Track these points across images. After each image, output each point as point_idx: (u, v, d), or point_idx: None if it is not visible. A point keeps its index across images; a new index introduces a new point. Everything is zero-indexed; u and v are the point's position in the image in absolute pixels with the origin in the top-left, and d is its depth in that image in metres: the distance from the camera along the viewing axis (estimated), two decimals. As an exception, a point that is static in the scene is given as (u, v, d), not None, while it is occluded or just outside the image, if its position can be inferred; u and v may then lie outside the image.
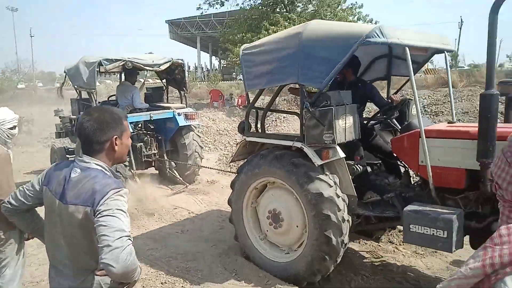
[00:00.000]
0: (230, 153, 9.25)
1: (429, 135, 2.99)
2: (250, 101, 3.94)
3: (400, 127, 3.62)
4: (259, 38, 12.78)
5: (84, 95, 6.86)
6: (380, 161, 3.86)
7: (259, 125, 3.89)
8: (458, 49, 42.28)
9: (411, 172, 3.53)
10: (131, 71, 6.64)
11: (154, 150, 6.71)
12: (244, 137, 3.83)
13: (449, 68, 3.83)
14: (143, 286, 3.56)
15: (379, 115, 3.83)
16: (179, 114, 6.65)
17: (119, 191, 1.51)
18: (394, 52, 4.10)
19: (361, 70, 4.27)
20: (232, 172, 6.62)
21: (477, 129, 2.67)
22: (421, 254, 4.05)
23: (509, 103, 3.30)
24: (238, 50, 13.78)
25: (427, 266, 3.81)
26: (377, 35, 2.82)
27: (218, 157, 9.03)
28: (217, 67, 52.45)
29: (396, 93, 4.19)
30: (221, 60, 57.16)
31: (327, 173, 3.22)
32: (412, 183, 3.46)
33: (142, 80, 11.08)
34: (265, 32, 12.82)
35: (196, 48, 45.88)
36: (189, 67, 55.15)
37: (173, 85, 7.51)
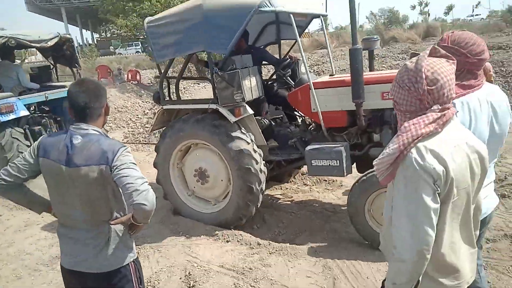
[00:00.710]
0: (135, 129, 9.23)
1: (316, 87, 3.71)
2: (161, 71, 4.17)
3: (293, 83, 4.31)
4: (142, 8, 12.41)
5: None
6: (282, 114, 4.54)
7: (173, 94, 4.20)
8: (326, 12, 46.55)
9: (307, 119, 4.29)
10: (7, 49, 6.06)
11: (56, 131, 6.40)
12: (161, 106, 4.11)
13: (325, 30, 4.63)
14: None
15: (274, 75, 4.48)
16: (76, 92, 6.40)
17: (126, 148, 1.76)
18: (280, 19, 4.72)
19: (254, 37, 4.82)
20: (144, 143, 6.78)
21: (349, 77, 3.48)
22: (330, 189, 4.94)
23: (370, 55, 4.21)
24: (121, 21, 13.11)
25: (337, 197, 4.74)
26: (267, 4, 3.34)
27: (123, 135, 8.95)
28: (90, 42, 47.94)
29: (286, 55, 4.88)
30: (95, 34, 52.36)
31: (243, 130, 3.74)
32: (309, 128, 4.23)
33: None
34: (148, 2, 12.37)
35: (61, 21, 41.00)
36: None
37: (62, 63, 7.07)
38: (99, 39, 48.48)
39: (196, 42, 3.67)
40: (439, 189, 1.28)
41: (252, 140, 3.74)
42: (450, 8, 33.95)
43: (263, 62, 4.56)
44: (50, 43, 6.06)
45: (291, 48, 5.03)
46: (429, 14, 31.99)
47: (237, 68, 3.59)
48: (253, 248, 3.62)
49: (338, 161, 3.49)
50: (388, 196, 1.48)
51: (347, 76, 3.74)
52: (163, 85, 4.15)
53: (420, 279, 1.38)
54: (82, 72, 7.40)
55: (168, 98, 4.23)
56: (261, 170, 3.75)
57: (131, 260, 1.88)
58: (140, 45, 30.73)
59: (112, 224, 1.79)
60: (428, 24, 24.80)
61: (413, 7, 33.89)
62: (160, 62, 4.07)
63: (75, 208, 1.79)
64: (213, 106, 3.74)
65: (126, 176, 1.65)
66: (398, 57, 14.86)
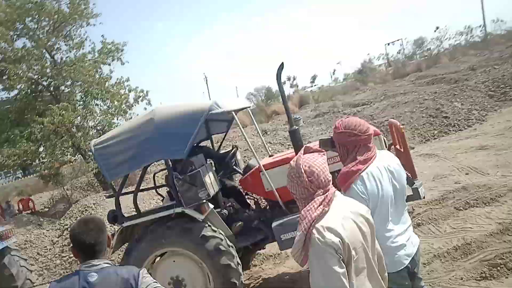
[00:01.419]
0: (49, 263, 8.28)
1: (266, 168, 4.17)
2: (117, 189, 4.16)
3: (241, 171, 4.71)
4: (31, 131, 11.79)
5: None
6: (233, 202, 4.80)
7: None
8: (210, 98, 50.46)
9: (260, 201, 4.64)
10: None
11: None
12: (118, 224, 4.02)
13: (254, 120, 5.30)
14: None
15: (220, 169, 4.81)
16: (-11, 237, 5.67)
17: (143, 270, 1.84)
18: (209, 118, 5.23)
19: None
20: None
21: (291, 155, 4.04)
22: (279, 263, 5.27)
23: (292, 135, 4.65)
24: (8, 151, 12.07)
25: (290, 267, 5.03)
26: (216, 106, 3.81)
27: (36, 274, 7.91)
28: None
29: (219, 147, 5.32)
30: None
31: (213, 228, 3.86)
32: (265, 207, 4.57)
33: None
34: (36, 125, 11.83)
35: None
36: None
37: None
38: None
39: (152, 153, 3.86)
40: (341, 256, 1.63)
41: (224, 236, 3.87)
42: (314, 78, 40.08)
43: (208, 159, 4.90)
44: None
45: (222, 140, 5.51)
46: (297, 86, 37.13)
47: (196, 168, 3.85)
48: None
49: None
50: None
51: (288, 154, 4.31)
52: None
53: None
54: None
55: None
56: (238, 263, 3.87)
57: None
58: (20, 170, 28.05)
59: None
60: (300, 95, 28.77)
61: (284, 82, 38.76)
62: (112, 180, 4.08)
63: None
64: (178, 209, 3.85)
65: None
66: (285, 128, 16.65)
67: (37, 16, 12.77)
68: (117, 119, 13.93)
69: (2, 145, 12.68)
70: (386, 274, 1.95)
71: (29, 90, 12.90)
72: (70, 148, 12.61)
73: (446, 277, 3.75)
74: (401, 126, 3.94)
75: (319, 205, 1.70)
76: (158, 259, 4.06)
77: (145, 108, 15.16)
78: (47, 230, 10.39)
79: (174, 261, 3.94)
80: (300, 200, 1.78)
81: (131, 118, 14.19)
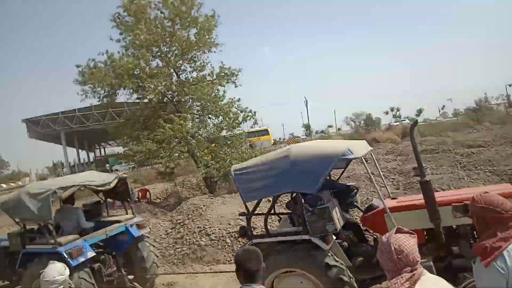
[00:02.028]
0: (164, 251, 9.28)
1: (392, 211, 4.33)
2: (249, 210, 4.74)
3: (361, 208, 4.95)
4: (155, 134, 13.51)
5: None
6: (351, 234, 5.04)
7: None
8: (308, 121, 51.20)
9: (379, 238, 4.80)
10: (71, 195, 6.52)
11: (113, 267, 6.54)
12: (250, 240, 4.57)
13: (374, 158, 5.47)
14: None
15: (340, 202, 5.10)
16: (131, 226, 6.77)
17: None
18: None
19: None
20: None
21: (420, 201, 4.14)
22: None
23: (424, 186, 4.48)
24: (136, 148, 13.89)
25: None
26: (349, 152, 4.14)
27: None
28: (86, 161, 49.18)
29: (339, 178, 5.61)
30: (90, 153, 54.03)
31: (336, 258, 4.16)
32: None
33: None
34: (159, 130, 13.54)
35: (60, 144, 42.57)
36: (55, 166, 50.08)
37: (112, 197, 7.55)
38: (96, 158, 49.86)
39: (285, 185, 4.34)
40: None
41: (345, 267, 4.15)
42: (420, 111, 37.98)
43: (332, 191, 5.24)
44: (112, 185, 6.61)
45: (341, 173, 5.80)
46: (400, 116, 35.62)
47: (326, 204, 4.21)
48: None
49: None
50: None
51: (416, 199, 4.42)
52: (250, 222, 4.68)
53: None
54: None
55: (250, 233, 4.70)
56: None
57: None
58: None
59: None
60: (404, 126, 27.49)
61: (386, 113, 37.66)
62: (248, 201, 4.65)
63: None
64: (306, 237, 4.24)
65: None
66: (388, 158, 16.08)
67: (169, 42, 14.97)
68: (226, 132, 15.18)
69: (133, 141, 14.79)
70: None
71: (156, 101, 14.84)
72: (185, 153, 14.13)
73: None
74: None
75: (406, 281, 1.91)
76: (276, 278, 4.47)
77: (252, 126, 16.29)
78: (162, 221, 11.74)
79: (301, 282, 4.30)
80: (388, 271, 2.01)
81: (240, 132, 15.43)
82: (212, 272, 7.64)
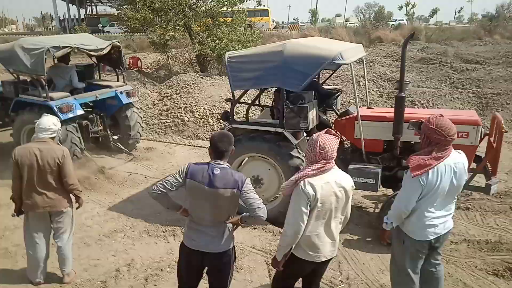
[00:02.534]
0: (148, 120, 9.78)
1: (362, 119, 4.69)
2: (234, 97, 5.01)
3: (338, 112, 5.28)
4: (152, 1, 12.72)
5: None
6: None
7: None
8: (316, 7, 47.82)
9: (345, 142, 5.28)
10: (66, 54, 6.62)
11: (99, 126, 7.07)
12: (230, 124, 4.97)
13: (365, 70, 5.60)
14: (150, 235, 4.71)
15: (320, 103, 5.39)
16: (121, 93, 7.08)
17: (247, 179, 2.71)
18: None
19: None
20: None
21: (391, 114, 4.48)
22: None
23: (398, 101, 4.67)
24: (131, 13, 13.26)
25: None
26: (340, 57, 4.23)
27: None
28: (77, 17, 46.55)
29: (324, 82, 5.81)
30: (81, 9, 50.73)
31: (300, 150, 4.66)
32: (347, 149, 5.23)
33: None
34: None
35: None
36: (43, 17, 47.47)
37: (106, 64, 7.67)
38: (87, 16, 47.06)
39: (273, 80, 4.53)
40: (310, 202, 2.50)
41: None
42: (435, 11, 35.53)
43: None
44: (105, 51, 6.68)
45: (329, 76, 5.97)
46: (413, 14, 33.52)
47: (305, 103, 4.50)
48: (275, 235, 4.70)
49: (374, 180, 4.53)
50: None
51: (387, 112, 4.75)
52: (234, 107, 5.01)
53: (293, 247, 2.67)
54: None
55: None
56: None
57: (232, 245, 2.86)
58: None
59: (227, 223, 2.77)
60: (413, 27, 26.19)
61: (400, 8, 35.34)
62: (235, 90, 4.88)
63: (206, 212, 2.71)
64: (279, 130, 4.65)
65: (252, 197, 2.65)
66: (385, 62, 15.89)
67: None
68: (226, 8, 14.37)
69: (128, 5, 14.02)
70: (338, 230, 2.77)
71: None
72: (181, 26, 13.60)
73: (464, 260, 4.21)
74: (503, 126, 4.11)
75: (315, 169, 2.52)
76: (246, 160, 5.05)
77: (256, 6, 15.39)
78: (150, 91, 12.04)
79: (268, 168, 4.86)
80: (308, 160, 2.61)
81: (242, 11, 14.65)
82: (190, 145, 8.27)
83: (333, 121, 5.45)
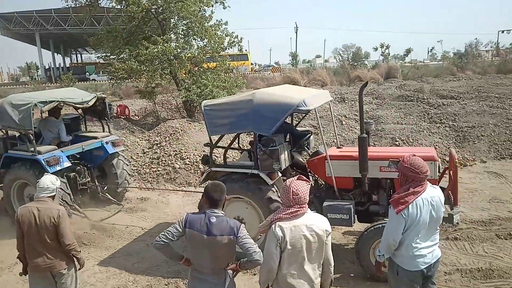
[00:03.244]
0: (140, 169, 10.01)
1: (331, 158, 5.03)
2: (213, 142, 5.35)
3: (310, 152, 5.62)
4: (138, 53, 13.44)
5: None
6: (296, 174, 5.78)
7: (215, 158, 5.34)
8: (296, 50, 50.25)
9: (319, 180, 5.57)
10: (56, 108, 6.98)
11: (87, 177, 7.27)
12: (209, 168, 5.26)
13: (331, 109, 6.03)
14: None
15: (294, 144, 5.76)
16: (106, 143, 7.38)
17: (242, 225, 2.90)
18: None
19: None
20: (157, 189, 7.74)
21: (356, 153, 4.83)
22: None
23: (368, 135, 5.13)
24: (118, 65, 13.87)
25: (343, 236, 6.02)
26: (303, 104, 4.65)
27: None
28: (62, 66, 47.84)
29: (297, 125, 6.20)
30: (66, 58, 52.24)
31: (274, 189, 4.94)
32: (320, 187, 5.52)
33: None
34: (143, 48, 13.41)
35: (34, 45, 41.00)
36: (29, 67, 48.82)
37: (91, 115, 8.02)
38: (73, 64, 48.40)
39: (246, 125, 4.90)
40: (279, 244, 2.70)
41: (279, 194, 4.85)
42: (408, 51, 37.56)
43: (288, 135, 5.86)
44: (91, 103, 7.05)
45: (301, 119, 6.38)
46: (389, 54, 35.23)
47: (277, 146, 4.84)
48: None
49: (348, 215, 4.79)
50: None
51: (354, 152, 5.10)
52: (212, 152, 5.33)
53: (270, 284, 2.85)
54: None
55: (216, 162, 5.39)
56: None
57: None
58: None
59: (227, 269, 2.92)
60: (389, 65, 27.50)
61: (375, 49, 37.23)
62: (212, 135, 5.24)
63: (206, 260, 2.88)
64: (255, 171, 4.95)
65: (247, 243, 2.83)
66: (365, 100, 16.58)
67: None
68: (211, 55, 15.12)
69: (115, 56, 14.69)
70: (330, 274, 2.96)
71: (140, 15, 14.30)
72: (167, 75, 14.23)
73: (459, 289, 4.39)
74: (456, 160, 4.50)
75: (288, 213, 2.74)
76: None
77: (239, 50, 16.19)
78: (140, 139, 12.34)
79: (246, 208, 5.11)
80: (283, 204, 2.83)
81: (224, 57, 15.42)
82: (183, 191, 8.44)
83: (305, 161, 5.77)
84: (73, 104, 6.86)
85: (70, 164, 6.64)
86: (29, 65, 46.88)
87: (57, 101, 6.50)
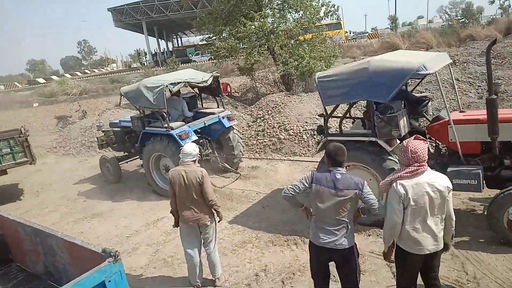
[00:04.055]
0: (246, 141, 10.70)
1: (455, 123, 4.83)
2: (327, 112, 5.54)
3: (429, 118, 5.45)
4: (237, 31, 14.04)
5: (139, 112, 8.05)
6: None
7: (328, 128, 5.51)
8: (396, 12, 46.35)
9: (441, 146, 5.40)
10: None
11: (209, 149, 8.11)
12: (325, 137, 5.48)
13: (453, 75, 5.68)
14: (275, 245, 5.28)
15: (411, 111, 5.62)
16: (223, 118, 8.08)
17: (365, 182, 3.22)
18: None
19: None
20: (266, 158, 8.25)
21: (483, 116, 4.56)
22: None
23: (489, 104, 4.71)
24: (220, 43, 14.69)
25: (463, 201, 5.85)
26: (423, 68, 4.50)
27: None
28: (166, 50, 52.08)
29: (413, 90, 6.01)
30: (169, 42, 56.69)
31: (395, 157, 4.95)
32: (443, 153, 5.34)
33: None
34: (240, 26, 13.94)
35: (142, 33, 45.21)
36: (138, 54, 54.32)
37: (207, 93, 8.82)
38: (175, 48, 52.44)
39: (361, 94, 4.96)
40: (403, 201, 2.89)
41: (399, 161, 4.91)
42: (535, 2, 31.74)
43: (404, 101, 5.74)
44: (209, 82, 7.75)
45: (418, 84, 6.16)
46: (509, 6, 30.34)
47: (395, 113, 4.83)
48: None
49: (476, 181, 4.61)
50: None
51: (480, 115, 4.82)
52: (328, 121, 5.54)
53: (397, 240, 3.06)
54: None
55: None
56: None
57: (354, 242, 3.31)
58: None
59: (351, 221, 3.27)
60: (510, 19, 23.77)
61: (491, 2, 32.35)
62: (327, 105, 5.42)
63: (331, 212, 3.19)
64: (373, 138, 5.02)
65: (372, 198, 3.21)
66: (480, 61, 14.87)
67: None
68: (307, 27, 15.03)
69: (216, 36, 15.60)
70: (452, 228, 3.10)
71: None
72: (265, 51, 14.64)
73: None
74: None
75: (408, 172, 2.89)
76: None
77: (336, 18, 15.79)
78: (243, 114, 13.10)
79: (363, 175, 5.21)
80: (401, 164, 3.00)
81: (321, 26, 15.23)
82: (289, 160, 8.88)
83: (425, 127, 5.61)
84: (195, 83, 7.63)
85: (197, 138, 7.46)
86: (138, 52, 51.95)
87: (184, 82, 7.31)
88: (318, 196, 3.22)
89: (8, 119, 21.66)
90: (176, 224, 4.47)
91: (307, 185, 3.27)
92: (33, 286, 3.43)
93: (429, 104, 5.74)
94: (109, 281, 2.38)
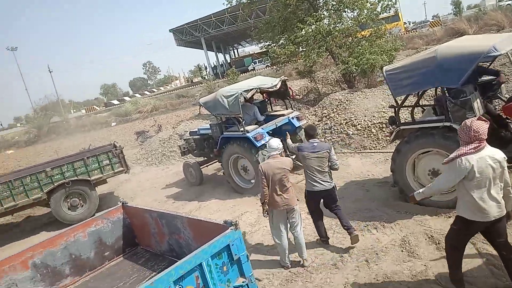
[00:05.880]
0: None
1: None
2: (397, 103, 5.80)
3: (505, 98, 5.46)
4: (296, 36, 14.50)
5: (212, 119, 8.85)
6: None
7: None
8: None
9: None
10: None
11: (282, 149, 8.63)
12: (397, 127, 5.73)
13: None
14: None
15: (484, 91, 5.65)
16: (292, 118, 8.57)
17: (331, 146, 4.61)
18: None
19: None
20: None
21: None
22: None
23: None
24: (279, 50, 15.21)
25: None
26: (494, 50, 4.58)
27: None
28: (224, 62, 54.38)
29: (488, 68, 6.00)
30: (226, 54, 59.10)
31: None
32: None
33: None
34: (298, 31, 14.36)
35: (201, 49, 47.74)
36: (199, 69, 57.65)
37: (275, 97, 9.39)
38: (233, 59, 54.66)
39: (432, 81, 5.16)
40: (467, 174, 3.24)
41: None
42: None
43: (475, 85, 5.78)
44: (278, 86, 8.31)
45: (490, 64, 6.14)
46: None
47: (467, 96, 4.95)
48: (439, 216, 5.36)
49: None
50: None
51: None
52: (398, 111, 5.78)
53: (459, 210, 3.52)
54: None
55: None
56: None
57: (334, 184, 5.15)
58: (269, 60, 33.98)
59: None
60: None
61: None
62: (397, 96, 5.68)
63: (314, 166, 4.98)
64: (447, 123, 5.17)
65: (334, 157, 5.09)
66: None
67: None
68: (365, 23, 15.05)
69: (275, 43, 16.24)
70: (510, 195, 3.42)
71: (295, 1, 15.28)
72: (324, 52, 14.93)
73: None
74: None
75: (472, 148, 3.23)
76: (419, 156, 5.63)
77: (395, 12, 15.54)
78: (307, 114, 13.43)
79: (437, 159, 5.40)
80: (463, 142, 3.31)
81: (379, 21, 15.17)
82: (360, 153, 9.02)
83: (500, 108, 5.60)
84: (266, 89, 8.23)
85: (270, 138, 8.00)
86: (199, 67, 54.97)
87: (256, 88, 7.95)
88: (304, 157, 5.03)
89: (93, 138, 24.30)
90: (266, 212, 5.01)
91: (296, 152, 5.29)
92: (159, 262, 4.18)
93: (502, 85, 5.71)
94: (232, 244, 2.96)
